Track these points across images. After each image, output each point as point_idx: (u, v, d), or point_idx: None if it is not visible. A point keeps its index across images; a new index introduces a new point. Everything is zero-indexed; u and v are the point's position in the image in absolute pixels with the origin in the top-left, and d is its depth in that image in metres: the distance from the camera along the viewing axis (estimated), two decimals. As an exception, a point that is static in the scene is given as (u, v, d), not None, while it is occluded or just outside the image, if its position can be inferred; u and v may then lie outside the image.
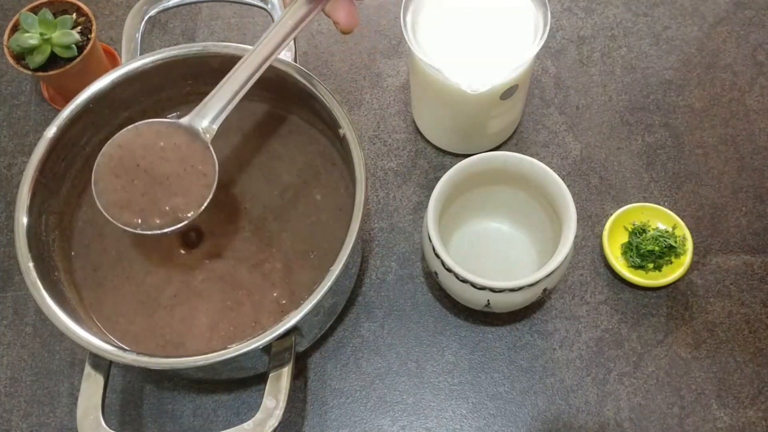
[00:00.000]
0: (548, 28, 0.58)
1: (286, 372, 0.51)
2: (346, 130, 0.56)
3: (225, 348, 0.50)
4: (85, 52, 0.66)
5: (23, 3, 0.75)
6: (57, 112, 0.61)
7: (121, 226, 0.52)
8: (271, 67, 0.59)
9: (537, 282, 0.54)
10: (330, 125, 0.59)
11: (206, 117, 0.53)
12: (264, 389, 0.51)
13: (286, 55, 0.61)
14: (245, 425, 0.49)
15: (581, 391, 0.60)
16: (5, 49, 0.66)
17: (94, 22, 0.68)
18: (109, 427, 0.50)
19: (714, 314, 0.63)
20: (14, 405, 0.61)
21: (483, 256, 0.64)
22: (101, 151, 0.53)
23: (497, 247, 0.64)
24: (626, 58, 0.74)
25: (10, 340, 0.64)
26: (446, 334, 0.63)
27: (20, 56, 0.66)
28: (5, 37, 0.66)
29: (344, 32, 0.53)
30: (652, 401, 0.60)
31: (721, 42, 0.75)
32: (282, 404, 0.50)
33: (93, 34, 0.67)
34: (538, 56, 0.66)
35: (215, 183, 0.53)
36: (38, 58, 0.65)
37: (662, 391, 0.60)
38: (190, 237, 0.61)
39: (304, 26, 0.54)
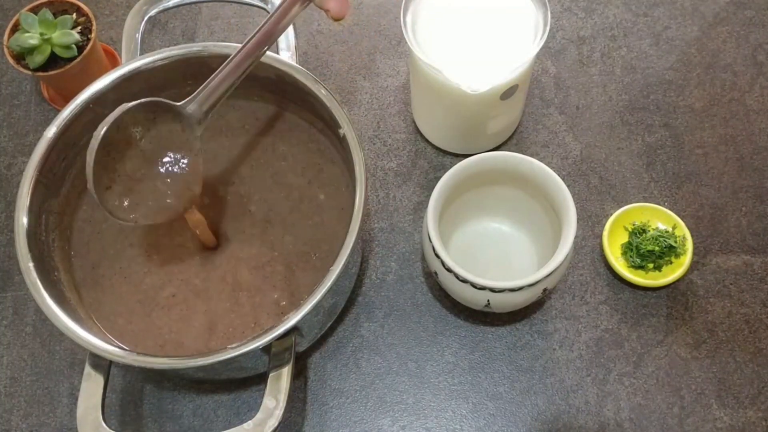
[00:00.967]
0: (548, 28, 0.58)
1: (286, 372, 0.51)
2: (346, 130, 0.56)
3: (225, 348, 0.50)
4: (85, 52, 0.66)
5: (23, 3, 0.76)
6: (57, 112, 0.61)
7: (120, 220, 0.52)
8: (271, 67, 0.60)
9: (537, 282, 0.54)
10: (330, 125, 0.59)
11: (199, 103, 0.54)
12: (264, 389, 0.51)
13: (286, 55, 0.61)
14: (245, 425, 0.49)
15: (581, 391, 0.60)
16: (5, 49, 0.66)
17: (94, 22, 0.68)
18: (109, 427, 0.50)
19: (714, 314, 0.63)
20: (14, 405, 0.61)
21: (483, 256, 0.64)
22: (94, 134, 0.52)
23: (497, 247, 0.64)
24: (626, 58, 0.74)
25: (10, 340, 0.64)
26: (446, 334, 0.63)
27: (20, 56, 0.66)
28: (5, 37, 0.66)
29: (336, 19, 0.53)
30: (652, 401, 0.60)
31: (721, 42, 0.75)
32: (282, 404, 0.50)
33: (93, 34, 0.67)
34: (538, 56, 0.66)
35: (201, 179, 0.54)
36: (38, 58, 0.65)
37: (662, 391, 0.60)
38: (195, 237, 0.61)
39: (295, 14, 0.54)
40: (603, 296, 0.64)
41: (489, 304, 0.56)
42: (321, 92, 0.58)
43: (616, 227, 0.65)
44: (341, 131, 0.57)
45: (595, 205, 0.67)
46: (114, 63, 0.73)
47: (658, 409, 0.60)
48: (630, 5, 0.77)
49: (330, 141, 0.62)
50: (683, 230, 0.64)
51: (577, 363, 0.61)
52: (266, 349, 0.51)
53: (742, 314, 0.63)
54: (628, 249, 0.64)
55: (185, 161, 0.54)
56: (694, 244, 0.64)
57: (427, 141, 0.70)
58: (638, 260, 0.63)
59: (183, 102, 0.54)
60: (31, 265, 0.53)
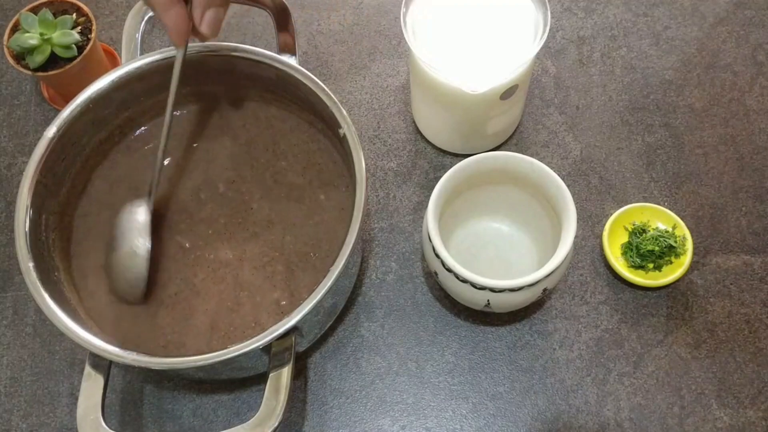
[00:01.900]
0: (548, 28, 0.58)
1: (286, 372, 0.51)
2: (346, 130, 0.56)
3: (225, 348, 0.50)
4: (85, 52, 0.66)
5: (23, 3, 0.76)
6: (57, 112, 0.61)
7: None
8: (271, 67, 0.60)
9: (537, 282, 0.54)
10: (330, 125, 0.59)
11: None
12: (264, 389, 0.51)
13: (286, 55, 0.61)
14: (245, 425, 0.49)
15: (581, 391, 0.60)
16: (5, 49, 0.66)
17: (94, 22, 0.68)
18: (109, 427, 0.50)
19: (714, 314, 0.63)
20: (14, 405, 0.61)
21: (483, 256, 0.64)
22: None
23: (497, 247, 0.64)
24: (626, 58, 0.74)
25: (10, 340, 0.64)
26: (446, 334, 0.63)
27: (20, 56, 0.66)
28: (5, 37, 0.66)
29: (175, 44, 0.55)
30: (652, 401, 0.60)
31: (721, 42, 0.75)
32: (282, 404, 0.50)
33: (93, 34, 0.67)
34: (538, 56, 0.66)
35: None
36: (38, 58, 0.65)
37: (662, 391, 0.60)
38: (193, 236, 0.61)
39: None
40: (603, 296, 0.64)
41: (489, 304, 0.56)
42: (321, 92, 0.58)
43: (616, 227, 0.65)
44: (341, 131, 0.57)
45: (595, 205, 0.67)
46: (114, 63, 0.73)
47: (658, 409, 0.60)
48: (630, 5, 0.77)
49: (330, 141, 0.62)
50: (683, 230, 0.64)
51: (577, 363, 0.61)
52: (266, 349, 0.51)
53: (742, 314, 0.63)
54: (628, 249, 0.64)
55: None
56: (694, 244, 0.64)
57: (427, 141, 0.70)
58: (638, 260, 0.63)
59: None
60: (31, 265, 0.53)
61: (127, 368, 0.61)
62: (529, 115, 0.71)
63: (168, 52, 0.60)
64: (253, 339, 0.50)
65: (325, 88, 0.58)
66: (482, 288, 0.54)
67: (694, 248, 0.64)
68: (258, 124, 0.65)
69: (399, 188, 0.69)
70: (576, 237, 0.55)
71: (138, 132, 0.65)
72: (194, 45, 0.61)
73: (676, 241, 0.63)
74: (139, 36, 0.62)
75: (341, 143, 0.58)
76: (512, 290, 0.54)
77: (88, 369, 0.52)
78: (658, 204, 0.66)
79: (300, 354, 0.61)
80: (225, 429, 0.49)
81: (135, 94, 0.62)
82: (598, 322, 0.63)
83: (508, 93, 0.61)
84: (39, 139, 0.57)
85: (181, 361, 0.51)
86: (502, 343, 0.62)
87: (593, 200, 0.68)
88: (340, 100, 0.58)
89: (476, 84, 0.57)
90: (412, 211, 0.68)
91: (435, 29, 0.60)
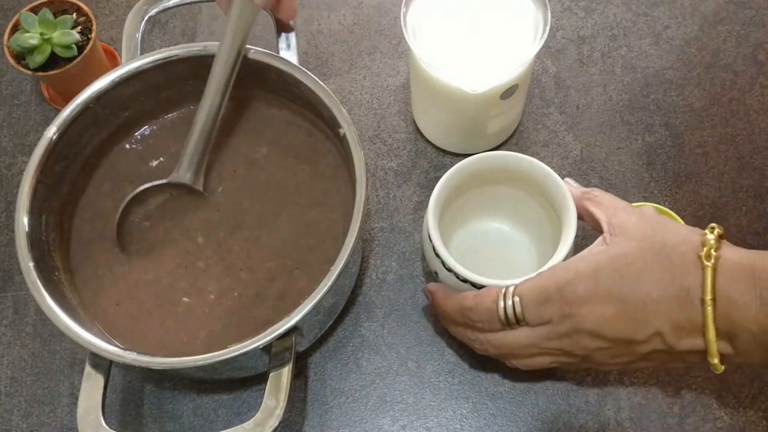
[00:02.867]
0: (548, 27, 0.58)
1: (286, 372, 0.51)
2: (346, 129, 0.56)
3: (225, 348, 0.50)
4: (85, 52, 0.66)
5: (23, 3, 0.75)
6: (57, 112, 0.61)
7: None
8: (271, 67, 0.60)
9: (537, 282, 0.54)
10: (330, 125, 0.59)
11: (188, 169, 0.59)
12: (264, 389, 0.51)
13: (286, 54, 0.62)
14: (245, 425, 0.49)
15: (581, 391, 0.60)
16: (5, 49, 0.66)
17: (94, 22, 0.68)
18: (110, 427, 0.50)
19: (714, 314, 0.63)
20: (14, 405, 0.61)
21: (483, 256, 0.64)
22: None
23: (497, 247, 0.64)
24: (626, 58, 0.74)
25: (10, 340, 0.64)
26: (446, 334, 0.63)
27: (20, 56, 0.66)
28: (5, 37, 0.66)
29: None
30: (652, 401, 0.60)
31: (721, 41, 0.75)
32: (282, 404, 0.50)
33: (93, 34, 0.67)
34: (538, 56, 0.66)
35: None
36: (38, 58, 0.65)
37: (662, 391, 0.60)
38: (192, 236, 0.61)
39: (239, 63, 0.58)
40: (603, 296, 0.64)
41: (489, 303, 0.56)
42: (321, 92, 0.58)
43: (616, 227, 0.65)
44: (341, 131, 0.57)
45: (595, 204, 0.67)
46: (114, 63, 0.73)
47: (658, 408, 0.60)
48: (630, 5, 0.77)
49: (330, 141, 0.62)
50: (683, 230, 0.64)
51: (578, 363, 0.61)
52: (266, 349, 0.51)
53: (743, 314, 0.63)
54: (628, 249, 0.64)
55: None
56: (694, 243, 0.64)
57: (427, 141, 0.70)
58: (638, 260, 0.63)
59: (173, 173, 0.59)
60: (31, 265, 0.53)
61: (127, 368, 0.61)
62: (529, 115, 0.71)
63: (168, 51, 0.60)
64: (253, 339, 0.50)
65: (326, 87, 0.58)
66: (482, 287, 0.54)
67: (694, 248, 0.64)
68: (257, 124, 0.65)
69: (399, 188, 0.69)
70: (576, 237, 0.55)
71: (138, 132, 0.65)
72: (194, 45, 0.61)
73: (676, 241, 0.62)
74: (139, 36, 0.62)
75: (341, 143, 0.58)
76: (512, 290, 0.54)
77: (88, 369, 0.52)
78: (659, 203, 0.66)
79: (300, 354, 0.61)
80: (225, 429, 0.49)
81: (135, 94, 0.62)
82: (598, 322, 0.63)
83: (508, 93, 0.61)
84: (39, 139, 0.57)
85: (181, 361, 0.51)
86: (503, 343, 0.62)
87: (593, 200, 0.68)
88: (341, 99, 0.59)
89: (476, 84, 0.57)
90: (412, 210, 0.68)
91: (435, 29, 0.60)
